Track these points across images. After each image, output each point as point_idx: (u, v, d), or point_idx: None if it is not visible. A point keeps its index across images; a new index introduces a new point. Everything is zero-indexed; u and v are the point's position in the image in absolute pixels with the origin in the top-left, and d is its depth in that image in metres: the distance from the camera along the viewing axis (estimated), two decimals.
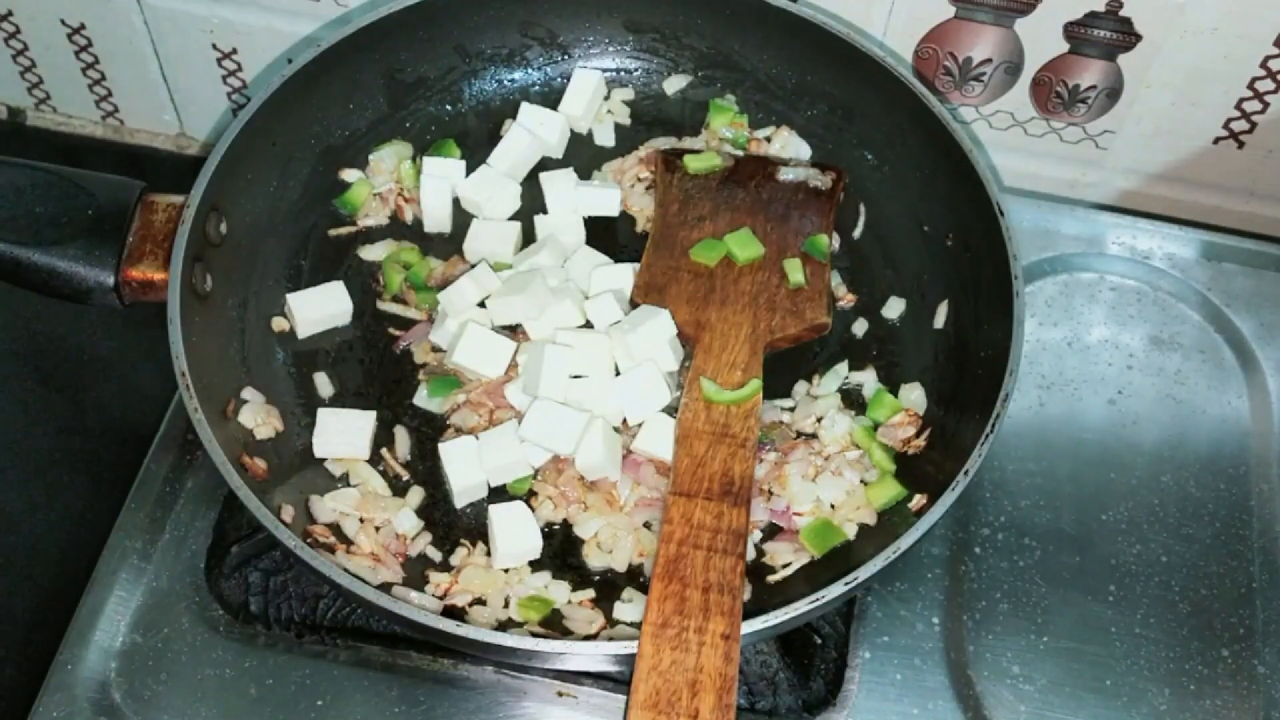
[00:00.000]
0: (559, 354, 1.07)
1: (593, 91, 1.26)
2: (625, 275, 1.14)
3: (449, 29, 1.24)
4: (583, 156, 1.26)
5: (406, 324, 1.15)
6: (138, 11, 1.36)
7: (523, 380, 1.09)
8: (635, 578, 1.03)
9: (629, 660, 0.89)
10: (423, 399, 1.11)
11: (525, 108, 1.24)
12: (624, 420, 1.08)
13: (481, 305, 1.12)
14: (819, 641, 1.08)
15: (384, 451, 1.08)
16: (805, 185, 1.20)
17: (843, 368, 1.14)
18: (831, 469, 1.06)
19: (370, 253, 1.19)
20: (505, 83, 1.29)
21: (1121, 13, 1.18)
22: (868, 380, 1.14)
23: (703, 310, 1.11)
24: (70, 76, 1.47)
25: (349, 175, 1.22)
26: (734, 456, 1.00)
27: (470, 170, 1.21)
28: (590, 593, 1.02)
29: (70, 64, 1.45)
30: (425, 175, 1.20)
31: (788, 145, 1.25)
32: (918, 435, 1.09)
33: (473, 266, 1.15)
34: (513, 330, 1.12)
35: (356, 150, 1.23)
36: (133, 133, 1.53)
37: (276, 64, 1.38)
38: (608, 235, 1.21)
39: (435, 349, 1.13)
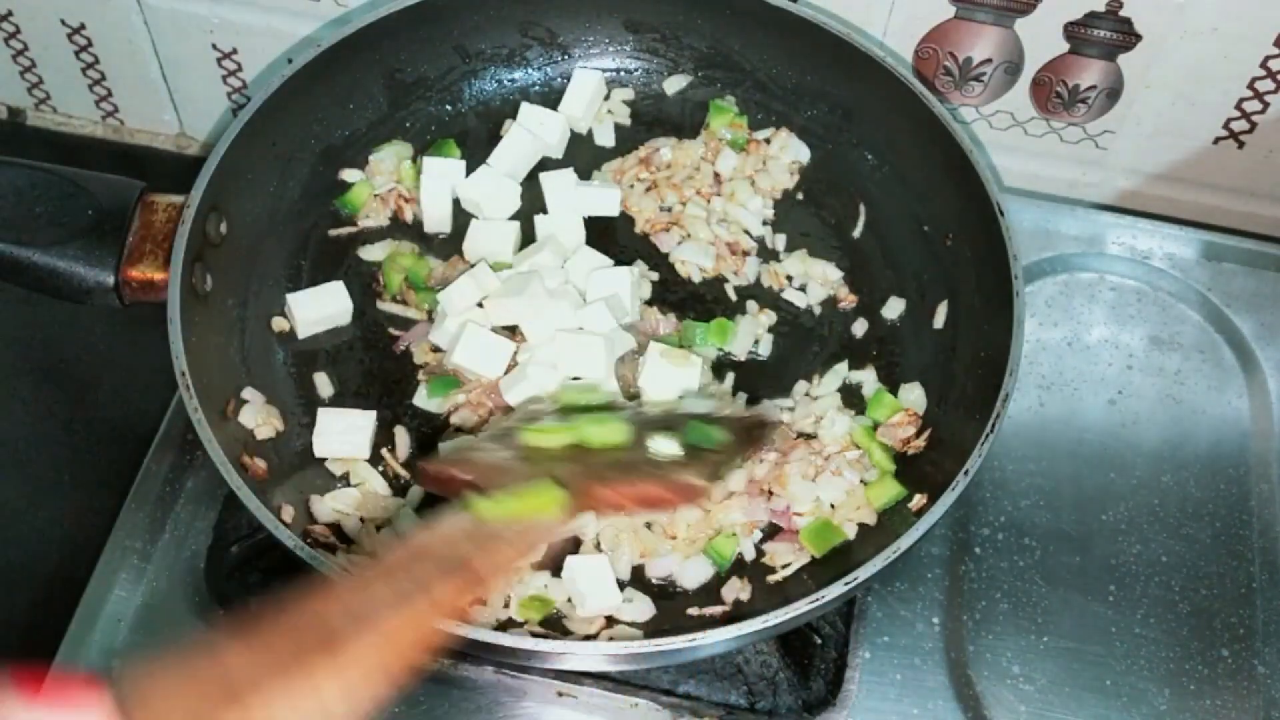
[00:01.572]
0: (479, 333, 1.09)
1: (593, 91, 1.26)
2: (624, 278, 1.13)
3: (449, 29, 1.24)
4: (583, 156, 1.25)
5: (406, 324, 1.15)
6: (138, 11, 1.36)
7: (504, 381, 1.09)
8: (636, 578, 1.04)
9: (629, 660, 0.89)
10: (422, 399, 1.11)
11: (525, 108, 1.24)
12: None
13: (481, 305, 1.12)
14: (819, 641, 1.08)
15: (384, 451, 1.08)
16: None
17: (842, 368, 1.14)
18: (831, 469, 1.06)
19: (370, 253, 1.19)
20: (505, 83, 1.29)
21: (1121, 13, 1.18)
22: (867, 380, 1.14)
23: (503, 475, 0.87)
24: (70, 76, 1.47)
25: (349, 175, 1.22)
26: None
27: (470, 170, 1.21)
28: None
29: (70, 64, 1.45)
30: (425, 175, 1.20)
31: (787, 146, 1.25)
32: (918, 435, 1.09)
33: (472, 266, 1.15)
34: (512, 331, 1.12)
35: (356, 150, 1.23)
36: (133, 133, 1.53)
37: (276, 64, 1.38)
38: (607, 235, 1.21)
39: (435, 349, 1.13)
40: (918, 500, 1.03)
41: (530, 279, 1.10)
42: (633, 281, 1.14)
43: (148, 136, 1.53)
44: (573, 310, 1.11)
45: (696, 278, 1.20)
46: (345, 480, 1.07)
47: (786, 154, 1.25)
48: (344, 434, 1.07)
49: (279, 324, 1.14)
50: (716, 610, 1.01)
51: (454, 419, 1.09)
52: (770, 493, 1.06)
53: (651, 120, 1.29)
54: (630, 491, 0.87)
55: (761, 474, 1.06)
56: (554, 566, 1.03)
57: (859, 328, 1.17)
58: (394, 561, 0.78)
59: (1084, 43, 1.21)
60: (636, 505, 0.88)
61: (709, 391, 1.08)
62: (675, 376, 1.09)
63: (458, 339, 1.09)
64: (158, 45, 1.40)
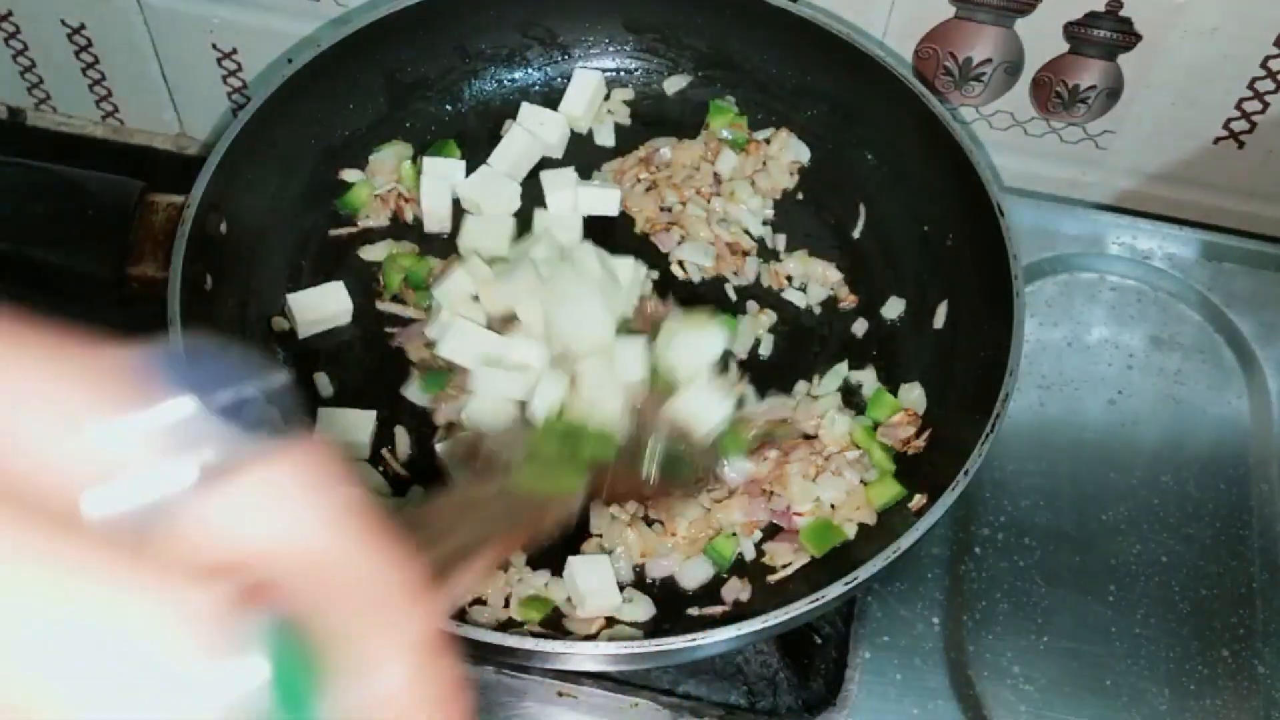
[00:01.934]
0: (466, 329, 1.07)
1: (593, 91, 1.26)
2: (626, 267, 1.09)
3: (449, 29, 1.24)
4: (583, 156, 1.25)
5: (406, 324, 1.15)
6: (137, 11, 1.36)
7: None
8: (636, 578, 1.03)
9: (629, 660, 0.89)
10: (414, 392, 1.10)
11: (525, 108, 1.24)
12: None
13: (476, 299, 1.12)
14: (819, 641, 1.08)
15: (384, 451, 1.08)
16: None
17: (842, 367, 1.14)
18: (831, 469, 1.06)
19: (370, 253, 1.19)
20: (505, 83, 1.29)
21: (1121, 13, 1.18)
22: (867, 380, 1.14)
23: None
24: (70, 76, 1.47)
25: (349, 176, 1.22)
26: None
27: (470, 170, 1.21)
28: None
29: (70, 64, 1.45)
30: (425, 175, 1.20)
31: (787, 146, 1.25)
32: (918, 435, 1.09)
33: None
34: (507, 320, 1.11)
35: (356, 150, 1.23)
36: (133, 133, 1.53)
37: (276, 64, 1.38)
38: (607, 235, 1.21)
39: (430, 344, 1.13)
40: (918, 500, 1.03)
41: (522, 263, 1.09)
42: (632, 270, 1.12)
43: (147, 136, 1.53)
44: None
45: (696, 278, 1.20)
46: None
47: (786, 154, 1.25)
48: (344, 434, 1.07)
49: (279, 324, 1.14)
50: (716, 610, 1.01)
51: (437, 418, 1.08)
52: (770, 493, 1.06)
53: (651, 120, 1.29)
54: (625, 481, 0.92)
55: (761, 474, 1.06)
56: (554, 566, 1.03)
57: (859, 328, 1.17)
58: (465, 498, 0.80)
59: (1084, 43, 1.21)
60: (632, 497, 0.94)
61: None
62: (698, 342, 1.05)
63: (445, 331, 1.08)
64: (158, 45, 1.40)
